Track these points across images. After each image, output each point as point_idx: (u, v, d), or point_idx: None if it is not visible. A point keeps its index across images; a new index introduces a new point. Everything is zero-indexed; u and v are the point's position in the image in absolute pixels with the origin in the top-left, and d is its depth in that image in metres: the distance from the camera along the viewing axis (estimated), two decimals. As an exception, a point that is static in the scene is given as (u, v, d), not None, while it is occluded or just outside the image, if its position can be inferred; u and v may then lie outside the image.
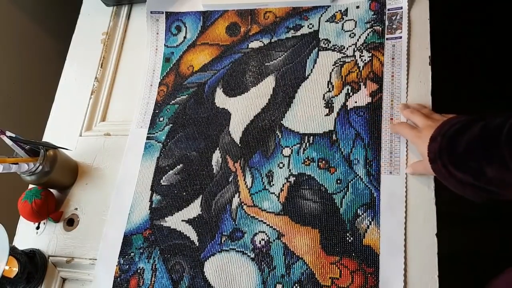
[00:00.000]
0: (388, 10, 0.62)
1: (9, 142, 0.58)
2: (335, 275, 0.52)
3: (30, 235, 0.66)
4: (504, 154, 0.40)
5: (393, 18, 0.61)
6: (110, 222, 0.62)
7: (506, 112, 0.43)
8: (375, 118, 0.57)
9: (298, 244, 0.54)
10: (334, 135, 0.58)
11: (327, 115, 0.60)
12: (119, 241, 0.61)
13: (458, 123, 0.47)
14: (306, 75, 0.63)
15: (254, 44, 0.67)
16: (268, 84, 0.64)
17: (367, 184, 0.55)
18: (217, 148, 0.62)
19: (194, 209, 0.60)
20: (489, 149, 0.43)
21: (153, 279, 0.57)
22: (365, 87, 0.59)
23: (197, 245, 0.58)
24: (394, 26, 0.61)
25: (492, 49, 1.25)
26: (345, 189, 0.55)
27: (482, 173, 0.43)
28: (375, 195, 0.54)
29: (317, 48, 0.64)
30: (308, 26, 0.65)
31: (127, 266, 0.59)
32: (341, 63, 0.62)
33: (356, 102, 0.59)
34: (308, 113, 0.61)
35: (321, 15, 0.65)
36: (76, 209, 0.65)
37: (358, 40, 0.62)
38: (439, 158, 0.47)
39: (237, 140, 0.62)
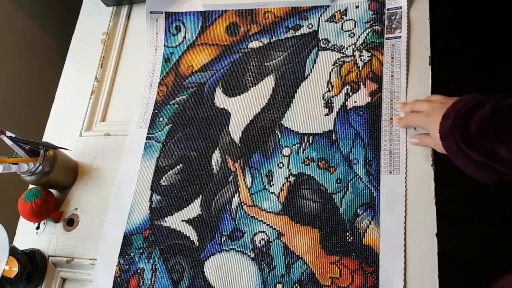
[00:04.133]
0: (388, 9, 0.62)
1: (9, 142, 0.58)
2: (335, 274, 0.52)
3: (30, 235, 0.66)
4: None
5: (393, 17, 0.61)
6: (110, 222, 0.62)
7: None
8: (375, 117, 0.57)
9: (298, 243, 0.54)
10: (333, 134, 0.58)
11: (326, 114, 0.60)
12: (119, 241, 0.61)
13: (472, 101, 0.47)
14: (306, 75, 0.63)
15: (254, 44, 0.67)
16: (267, 84, 0.64)
17: (366, 184, 0.54)
18: (217, 148, 0.62)
19: (194, 209, 0.60)
20: (500, 129, 0.42)
21: (153, 279, 0.57)
22: (365, 87, 0.59)
23: (197, 245, 0.58)
24: (394, 26, 0.61)
25: (492, 48, 1.25)
26: (345, 188, 0.55)
27: (493, 152, 0.42)
28: (374, 195, 0.54)
29: (316, 48, 0.64)
30: (307, 26, 0.65)
31: (127, 266, 0.59)
32: (340, 62, 0.62)
33: (355, 101, 0.59)
34: (307, 113, 0.61)
35: (321, 15, 0.65)
36: (76, 209, 0.65)
37: (357, 40, 0.62)
38: (451, 135, 0.47)
39: (237, 140, 0.62)
